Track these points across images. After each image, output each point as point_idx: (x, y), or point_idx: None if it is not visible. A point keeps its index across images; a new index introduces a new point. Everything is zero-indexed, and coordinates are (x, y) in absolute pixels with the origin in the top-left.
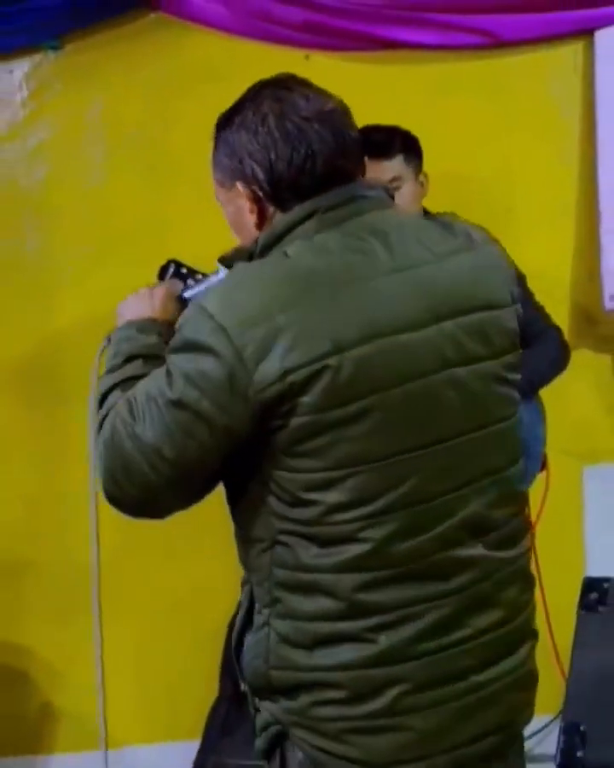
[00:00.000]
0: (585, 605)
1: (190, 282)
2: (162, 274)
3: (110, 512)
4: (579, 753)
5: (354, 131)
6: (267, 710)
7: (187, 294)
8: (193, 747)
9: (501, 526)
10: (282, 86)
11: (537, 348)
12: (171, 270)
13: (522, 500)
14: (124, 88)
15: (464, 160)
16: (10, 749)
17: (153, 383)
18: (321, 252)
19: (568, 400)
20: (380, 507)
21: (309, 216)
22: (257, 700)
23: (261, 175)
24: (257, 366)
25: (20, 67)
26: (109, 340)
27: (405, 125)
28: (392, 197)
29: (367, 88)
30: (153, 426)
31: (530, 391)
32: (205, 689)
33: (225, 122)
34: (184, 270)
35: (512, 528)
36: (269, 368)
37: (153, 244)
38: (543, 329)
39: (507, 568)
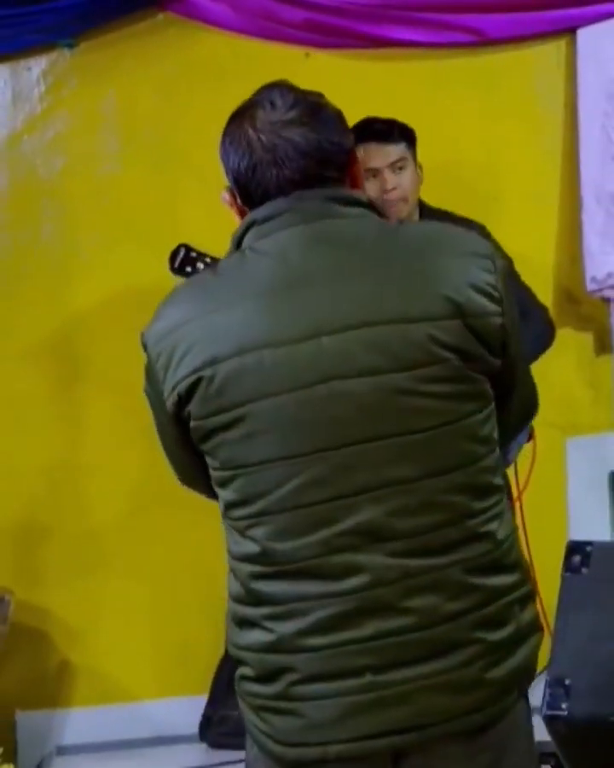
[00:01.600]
0: (569, 567)
1: (200, 266)
2: (173, 257)
3: (127, 479)
4: (563, 705)
5: (317, 137)
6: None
7: None
8: (202, 701)
9: (416, 534)
10: (259, 94)
11: (523, 327)
12: (182, 253)
13: (463, 508)
14: (136, 83)
15: (454, 150)
16: (32, 703)
17: None
18: (235, 266)
19: (552, 376)
20: (259, 508)
21: (249, 227)
22: None
23: (232, 182)
24: (164, 376)
25: (38, 64)
26: None
27: (399, 117)
28: (357, 202)
29: (363, 83)
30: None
31: None
32: (213, 648)
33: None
34: (194, 254)
35: (437, 537)
36: (168, 380)
37: (162, 229)
38: (529, 310)
39: (424, 576)
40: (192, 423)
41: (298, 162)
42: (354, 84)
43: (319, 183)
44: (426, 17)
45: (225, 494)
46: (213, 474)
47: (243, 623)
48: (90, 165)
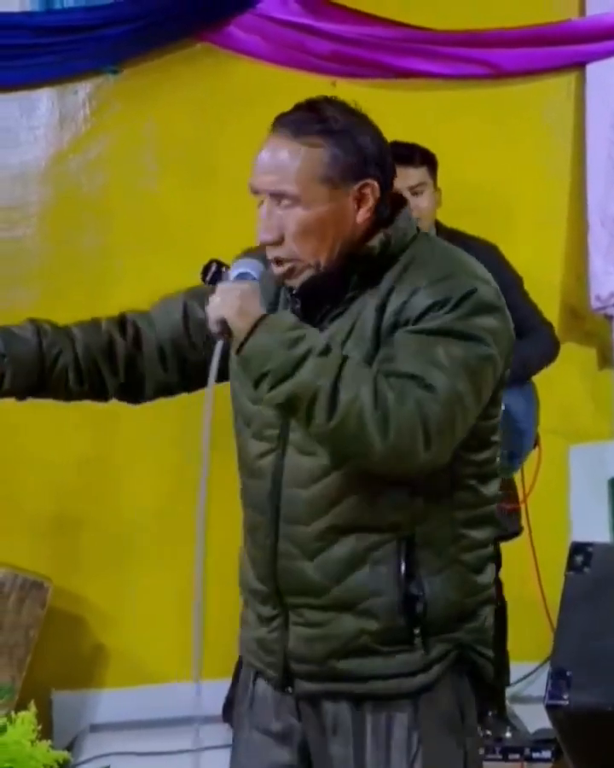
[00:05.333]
0: (572, 567)
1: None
2: (205, 272)
3: (158, 474)
4: (565, 696)
5: None
6: (445, 640)
7: None
8: (226, 684)
9: None
10: (337, 104)
11: (529, 342)
12: (213, 268)
13: None
14: (174, 107)
15: (468, 174)
16: (67, 684)
17: (444, 348)
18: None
19: (557, 387)
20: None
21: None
22: (423, 639)
23: (381, 177)
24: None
25: (84, 89)
26: (225, 332)
27: (418, 143)
28: None
29: (385, 110)
30: (463, 383)
31: (522, 378)
32: (236, 634)
33: (342, 125)
34: (224, 269)
35: None
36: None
37: (196, 243)
38: (536, 325)
39: None
40: (506, 371)
41: None
42: (377, 110)
43: None
44: (445, 51)
45: (497, 436)
46: (493, 422)
47: (486, 562)
48: (130, 182)
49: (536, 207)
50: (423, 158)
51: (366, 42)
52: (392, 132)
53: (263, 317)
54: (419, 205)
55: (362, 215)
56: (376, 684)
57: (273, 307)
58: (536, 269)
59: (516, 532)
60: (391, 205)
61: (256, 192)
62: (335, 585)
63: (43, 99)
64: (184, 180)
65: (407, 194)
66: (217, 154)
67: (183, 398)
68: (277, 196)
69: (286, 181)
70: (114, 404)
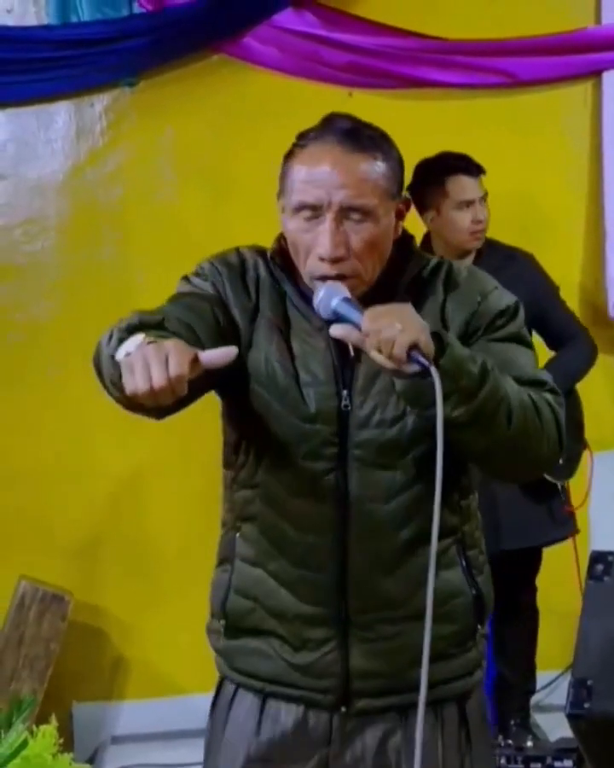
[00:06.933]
0: (592, 575)
1: None
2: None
3: (180, 486)
4: (586, 705)
5: None
6: (483, 635)
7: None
8: None
9: None
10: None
11: (572, 350)
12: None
13: None
14: (191, 119)
15: (486, 184)
16: (88, 696)
17: (530, 355)
18: None
19: (580, 395)
20: None
21: None
22: (481, 635)
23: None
24: None
25: (101, 101)
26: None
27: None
28: None
29: (402, 121)
30: None
31: (571, 386)
32: None
33: (384, 139)
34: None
35: None
36: None
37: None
38: (575, 332)
39: None
40: None
41: None
42: (394, 121)
43: None
44: (461, 60)
45: None
46: None
47: None
48: (147, 195)
49: (554, 215)
50: (478, 168)
51: (382, 52)
52: (409, 143)
53: (441, 334)
54: (485, 214)
55: (398, 229)
56: (446, 688)
57: (284, 317)
58: (556, 277)
59: (573, 534)
60: None
61: (312, 207)
62: (417, 594)
63: (61, 112)
64: (201, 191)
65: (478, 205)
66: (233, 166)
67: (207, 414)
68: (348, 211)
69: (367, 195)
70: (138, 418)
